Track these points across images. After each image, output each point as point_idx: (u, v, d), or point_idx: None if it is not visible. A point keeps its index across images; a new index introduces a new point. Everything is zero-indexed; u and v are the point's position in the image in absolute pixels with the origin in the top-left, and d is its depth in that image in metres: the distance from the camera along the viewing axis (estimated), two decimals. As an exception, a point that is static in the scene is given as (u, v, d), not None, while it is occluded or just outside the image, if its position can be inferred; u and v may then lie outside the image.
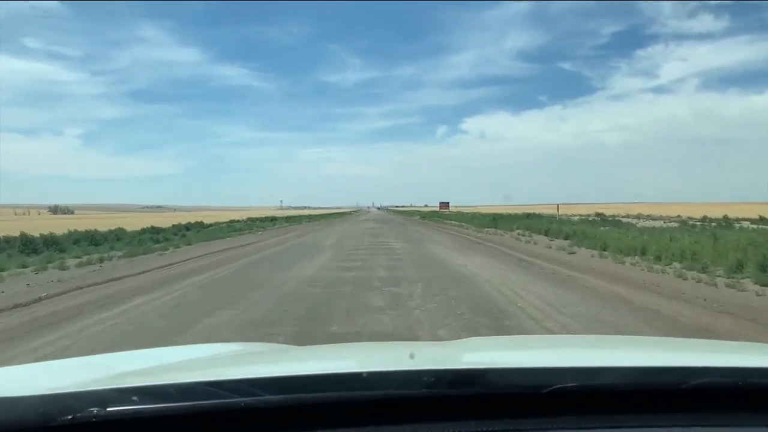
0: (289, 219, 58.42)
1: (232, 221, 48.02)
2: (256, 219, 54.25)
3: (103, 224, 31.65)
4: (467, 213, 72.61)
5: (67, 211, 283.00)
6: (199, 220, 41.17)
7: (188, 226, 34.46)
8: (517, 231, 28.43)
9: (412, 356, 1.37)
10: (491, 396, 1.17)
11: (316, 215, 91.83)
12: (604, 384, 1.21)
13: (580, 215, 47.32)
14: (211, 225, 39.81)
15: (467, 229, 37.15)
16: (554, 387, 1.12)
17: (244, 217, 57.72)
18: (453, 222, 49.45)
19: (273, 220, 53.71)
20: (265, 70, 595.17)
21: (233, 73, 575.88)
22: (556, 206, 50.20)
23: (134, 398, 1.09)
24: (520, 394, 1.18)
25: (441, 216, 68.33)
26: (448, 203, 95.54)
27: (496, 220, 36.74)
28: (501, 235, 27.99)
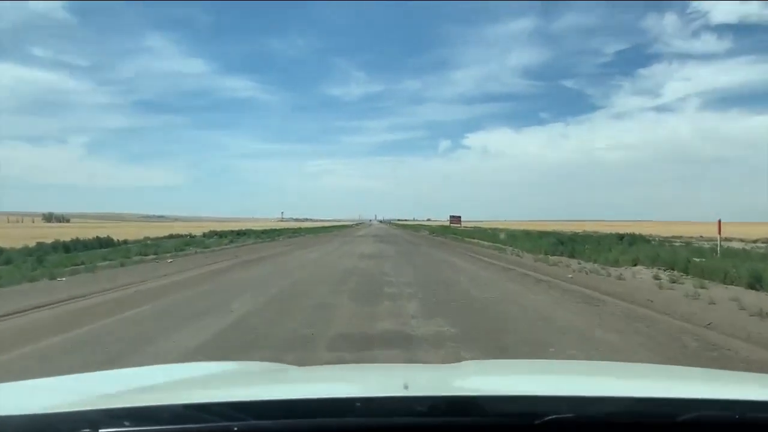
0: (265, 233, 47.82)
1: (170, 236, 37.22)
2: (219, 232, 43.23)
3: (88, 233, 30.91)
4: (486, 228, 61.64)
5: (62, 219, 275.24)
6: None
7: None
8: (665, 273, 13.99)
9: (406, 386, 1.32)
10: (486, 424, 1.16)
11: (309, 228, 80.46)
12: (599, 414, 1.20)
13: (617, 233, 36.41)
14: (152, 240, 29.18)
15: (549, 266, 25.89)
16: (549, 417, 1.11)
17: (229, 229, 48.32)
18: (479, 241, 38.29)
19: (240, 234, 42.80)
20: (270, 82, 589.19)
21: (238, 85, 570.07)
22: (718, 224, 38.22)
23: (126, 422, 1.09)
24: (515, 424, 1.16)
25: (455, 232, 57.20)
26: (459, 217, 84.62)
27: (563, 243, 25.55)
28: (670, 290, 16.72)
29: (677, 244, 24.81)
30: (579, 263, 18.97)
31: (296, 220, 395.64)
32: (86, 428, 1.04)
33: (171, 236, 35.24)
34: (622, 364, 3.78)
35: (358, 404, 1.19)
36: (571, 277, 14.17)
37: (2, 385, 1.67)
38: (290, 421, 1.13)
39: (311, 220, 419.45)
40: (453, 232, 60.75)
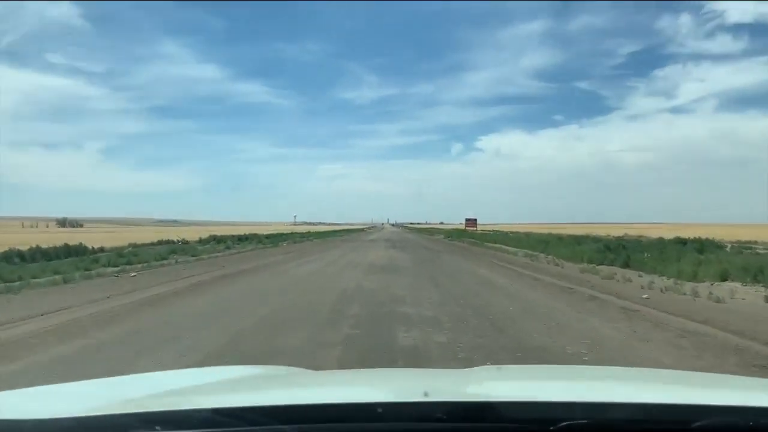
0: (270, 237, 44.07)
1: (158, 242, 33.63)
2: (220, 237, 39.54)
3: (97, 239, 30.76)
4: (506, 232, 57.49)
5: (75, 224, 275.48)
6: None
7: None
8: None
9: (426, 394, 1.34)
10: (502, 429, 1.19)
11: (319, 232, 76.48)
12: (613, 419, 1.20)
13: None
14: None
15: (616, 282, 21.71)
16: (564, 423, 1.13)
17: (236, 233, 45.20)
18: (503, 247, 34.10)
19: (242, 239, 39.01)
20: (284, 87, 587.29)
21: (252, 90, 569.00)
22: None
23: (157, 426, 1.11)
24: (530, 429, 1.18)
25: (473, 236, 53.04)
26: (475, 220, 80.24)
27: (610, 250, 21.29)
28: None
29: (762, 250, 20.49)
30: (640, 276, 14.89)
31: (309, 223, 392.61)
32: None
33: (160, 242, 31.60)
34: (637, 369, 3.69)
35: (380, 410, 1.22)
36: (647, 298, 10.15)
37: (28, 390, 1.71)
38: (315, 425, 1.16)
39: (324, 223, 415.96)
40: (471, 236, 56.58)
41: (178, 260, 20.89)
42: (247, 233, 52.83)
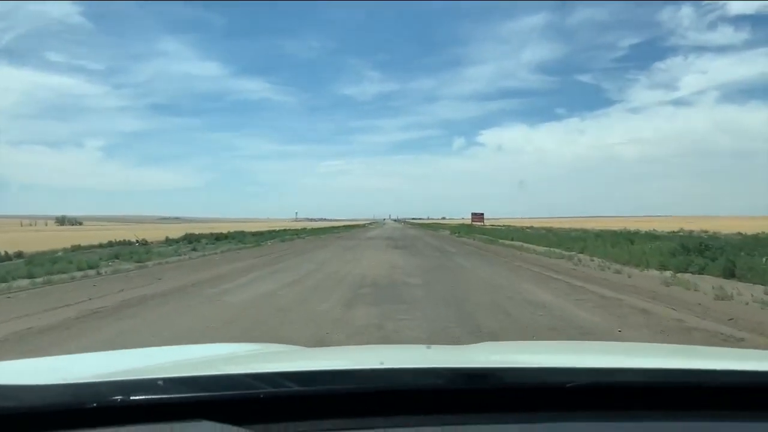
0: (256, 235, 38.32)
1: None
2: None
3: (92, 236, 30.24)
4: (520, 227, 51.58)
5: (74, 222, 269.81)
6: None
7: None
8: None
9: (428, 347, 1.57)
10: (506, 393, 1.18)
11: (317, 229, 70.38)
12: (618, 382, 1.21)
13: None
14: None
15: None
16: (568, 385, 1.13)
17: (229, 230, 41.40)
18: (524, 245, 28.18)
19: (221, 239, 33.15)
20: (285, 83, 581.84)
21: (253, 87, 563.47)
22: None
23: (164, 386, 1.11)
24: (535, 390, 1.19)
25: (483, 232, 47.16)
26: (482, 215, 74.58)
27: (688, 251, 15.37)
28: None
29: None
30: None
31: (310, 220, 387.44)
32: (118, 395, 1.06)
33: (111, 243, 25.87)
34: (640, 344, 3.69)
35: (383, 370, 1.24)
36: None
37: (40, 359, 1.77)
38: (320, 387, 1.17)
39: (326, 220, 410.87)
40: (479, 231, 50.69)
41: (114, 269, 15.21)
42: (232, 231, 47.18)
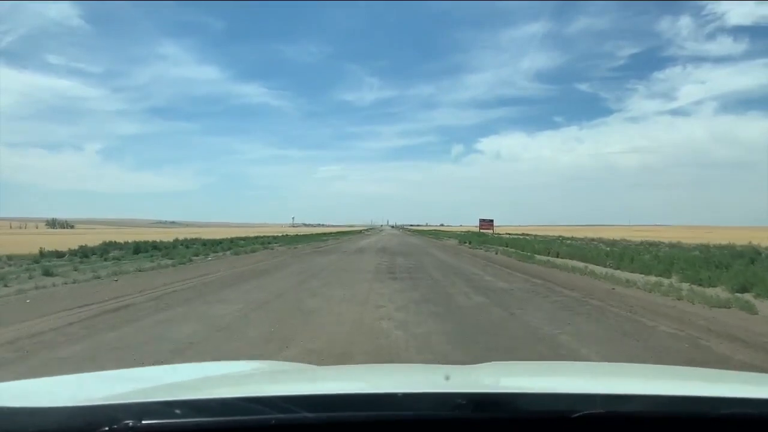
0: (219, 243, 28.56)
1: None
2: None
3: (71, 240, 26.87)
4: (558, 238, 41.68)
5: (66, 225, 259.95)
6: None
7: None
8: None
9: (447, 377, 1.36)
10: (520, 420, 1.15)
11: (308, 235, 59.88)
12: (632, 411, 1.17)
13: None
14: None
15: None
16: (583, 413, 1.10)
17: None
18: (579, 266, 18.16)
19: (168, 248, 23.13)
20: (283, 88, 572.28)
21: (251, 92, 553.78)
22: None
23: (177, 411, 1.08)
24: (548, 419, 1.16)
25: (504, 243, 37.20)
26: (491, 221, 64.64)
27: None
28: None
29: None
30: None
31: (307, 225, 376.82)
32: (136, 418, 1.02)
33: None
34: (651, 366, 3.50)
35: (400, 396, 1.19)
36: None
37: (45, 379, 1.66)
38: (336, 414, 1.12)
39: (323, 225, 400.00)
40: (496, 241, 40.84)
41: None
42: (191, 237, 37.55)
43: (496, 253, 27.85)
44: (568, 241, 36.38)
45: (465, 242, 43.83)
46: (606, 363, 4.37)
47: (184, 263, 18.60)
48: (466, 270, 16.64)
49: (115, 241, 27.52)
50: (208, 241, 33.94)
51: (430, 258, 22.96)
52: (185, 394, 1.27)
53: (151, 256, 21.98)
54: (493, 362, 2.59)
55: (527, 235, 52.53)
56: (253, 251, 27.44)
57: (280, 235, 58.34)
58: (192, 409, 1.10)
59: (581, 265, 18.22)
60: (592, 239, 45.61)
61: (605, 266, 17.71)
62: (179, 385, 1.56)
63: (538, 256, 23.42)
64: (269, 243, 37.34)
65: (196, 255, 23.39)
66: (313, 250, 29.35)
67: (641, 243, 38.73)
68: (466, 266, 18.37)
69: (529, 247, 29.77)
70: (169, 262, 18.80)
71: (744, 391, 1.45)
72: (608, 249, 26.45)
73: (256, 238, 44.39)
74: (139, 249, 23.48)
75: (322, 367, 2.49)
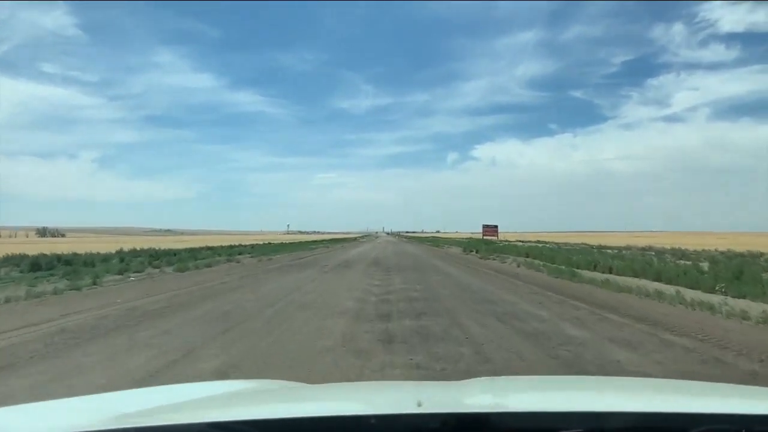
0: (161, 255, 22.24)
1: None
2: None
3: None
4: (594, 247, 35.35)
5: (57, 233, 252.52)
6: None
7: None
8: None
9: (419, 404, 1.28)
10: None
11: (296, 244, 52.99)
12: (609, 429, 1.17)
13: None
14: None
15: None
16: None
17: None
18: (665, 290, 11.77)
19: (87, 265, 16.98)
20: (279, 96, 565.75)
21: (247, 99, 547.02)
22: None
23: None
24: None
25: (516, 252, 30.72)
26: (496, 227, 58.22)
27: None
28: None
29: None
30: None
31: (303, 232, 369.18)
32: None
33: None
34: (631, 379, 3.55)
35: (373, 421, 1.16)
36: None
37: (20, 407, 1.62)
38: None
39: (319, 232, 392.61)
40: (510, 250, 34.43)
41: None
42: (164, 249, 31.28)
43: (518, 266, 21.56)
44: (594, 250, 30.08)
45: (471, 250, 37.46)
46: (591, 377, 4.19)
47: (78, 288, 12.16)
48: (510, 305, 10.24)
49: (25, 254, 21.02)
50: (163, 251, 27.44)
51: (439, 276, 16.55)
52: (146, 421, 1.25)
53: (51, 274, 15.53)
54: (476, 378, 2.36)
55: (540, 242, 46.22)
56: (207, 266, 20.97)
57: (263, 243, 51.88)
58: None
59: (671, 289, 11.90)
60: (591, 246, 39.55)
61: (717, 292, 11.41)
62: (184, 404, 1.56)
63: (581, 271, 17.12)
64: (240, 253, 30.84)
65: (123, 272, 16.99)
66: (287, 264, 22.88)
67: (671, 250, 32.75)
68: (500, 293, 11.97)
69: (559, 258, 23.38)
70: (50, 287, 12.31)
71: (725, 407, 1.45)
72: (681, 262, 20.16)
73: (231, 247, 37.90)
74: (38, 265, 16.99)
75: (301, 385, 2.22)
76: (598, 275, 16.55)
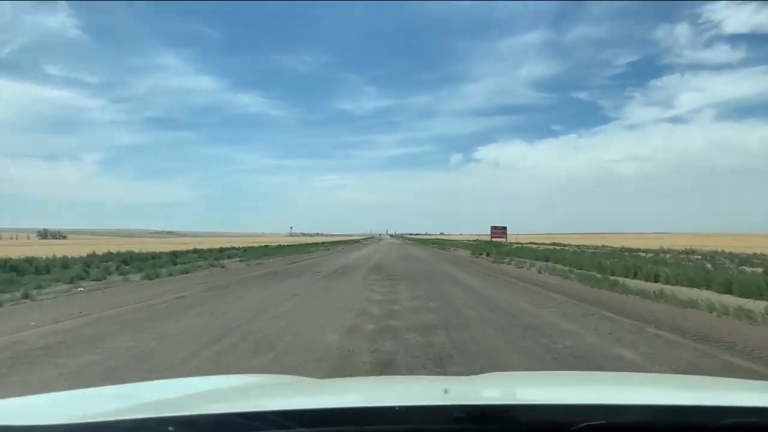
0: (156, 258, 19.51)
1: None
2: None
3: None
4: (624, 250, 32.47)
5: (58, 235, 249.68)
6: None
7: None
8: None
9: (446, 391, 1.31)
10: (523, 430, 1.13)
11: (293, 246, 49.97)
12: (632, 422, 1.14)
13: None
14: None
15: None
16: (582, 424, 1.07)
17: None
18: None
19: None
20: (281, 98, 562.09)
21: (249, 101, 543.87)
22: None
23: (170, 428, 1.06)
24: (548, 431, 1.14)
25: (534, 256, 27.77)
26: (504, 229, 55.31)
27: None
28: None
29: None
30: None
31: (305, 234, 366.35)
32: None
33: None
34: (651, 375, 3.42)
35: (398, 409, 1.15)
36: None
37: (41, 396, 1.59)
38: (332, 428, 1.09)
39: (322, 234, 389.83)
40: (525, 253, 31.49)
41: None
42: (155, 250, 28.62)
43: (539, 272, 18.71)
44: (626, 254, 27.09)
45: (480, 253, 34.57)
46: (607, 372, 4.17)
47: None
48: (570, 338, 7.32)
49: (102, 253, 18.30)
50: (139, 255, 24.64)
51: (455, 287, 13.64)
52: (180, 411, 1.22)
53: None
54: (492, 373, 2.30)
55: (556, 244, 43.29)
56: (184, 272, 18.14)
57: (260, 246, 49.08)
58: (186, 425, 1.07)
59: (759, 305, 9.02)
60: (616, 249, 36.69)
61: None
62: (174, 401, 1.51)
63: (619, 279, 14.24)
64: (230, 257, 28.02)
65: (78, 280, 14.21)
66: (275, 270, 19.99)
67: (683, 251, 29.87)
68: (543, 314, 9.03)
69: (587, 262, 20.46)
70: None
71: (747, 400, 1.41)
72: (745, 268, 17.26)
73: (221, 250, 35.11)
74: (91, 264, 14.26)
75: (320, 380, 2.34)
76: (643, 283, 13.72)
